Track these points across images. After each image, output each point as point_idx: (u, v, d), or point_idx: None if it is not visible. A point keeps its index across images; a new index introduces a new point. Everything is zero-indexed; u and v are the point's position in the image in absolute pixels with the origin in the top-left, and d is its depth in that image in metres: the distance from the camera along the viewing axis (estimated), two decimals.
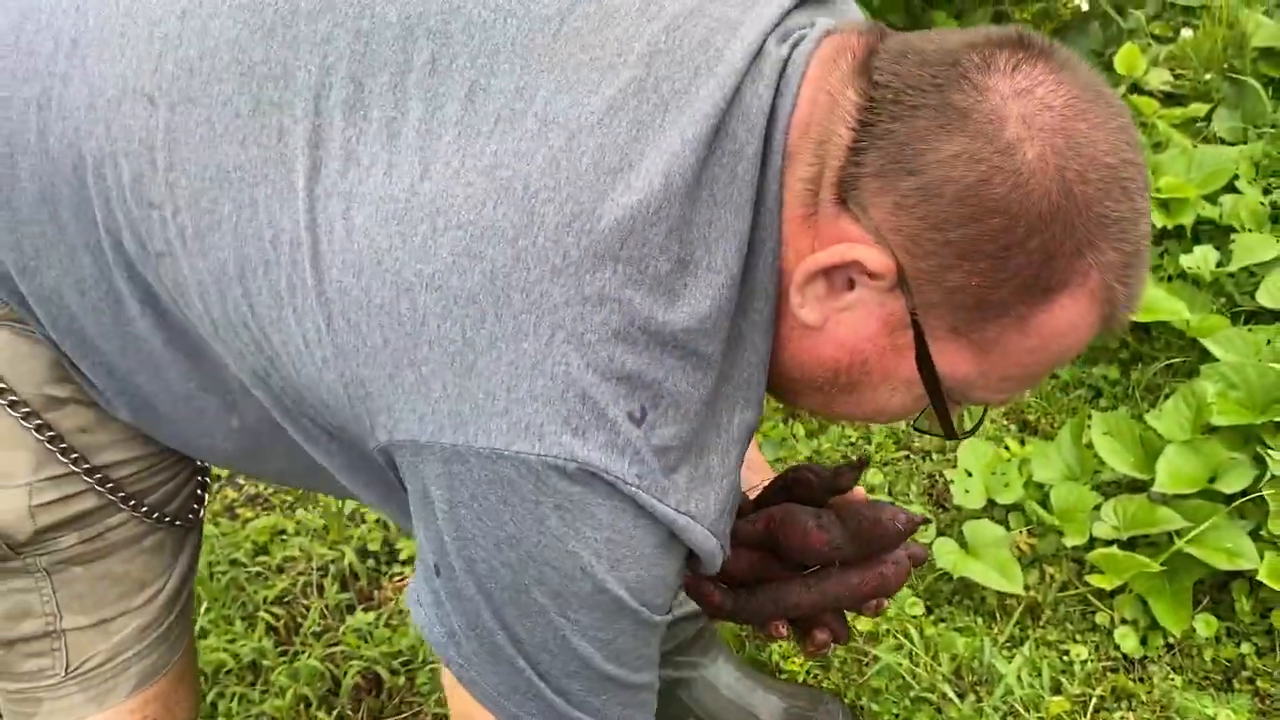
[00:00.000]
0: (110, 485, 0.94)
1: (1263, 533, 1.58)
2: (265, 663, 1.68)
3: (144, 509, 0.95)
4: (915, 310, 0.73)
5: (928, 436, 1.99)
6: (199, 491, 1.03)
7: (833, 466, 0.97)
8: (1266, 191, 2.20)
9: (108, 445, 0.94)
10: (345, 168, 0.75)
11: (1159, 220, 2.08)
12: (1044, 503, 1.72)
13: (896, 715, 1.50)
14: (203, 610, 1.80)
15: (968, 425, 0.88)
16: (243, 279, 0.77)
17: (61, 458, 0.91)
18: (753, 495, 1.00)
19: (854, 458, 1.07)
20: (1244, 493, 1.62)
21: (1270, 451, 1.60)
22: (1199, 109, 2.42)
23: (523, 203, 0.72)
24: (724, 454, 0.77)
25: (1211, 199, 2.15)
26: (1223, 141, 2.39)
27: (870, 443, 1.99)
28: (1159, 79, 2.55)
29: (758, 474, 1.10)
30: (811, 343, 0.78)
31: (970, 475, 1.76)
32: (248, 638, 1.72)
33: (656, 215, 0.72)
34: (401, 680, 1.66)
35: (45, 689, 0.98)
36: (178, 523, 0.98)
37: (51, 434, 0.90)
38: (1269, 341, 1.79)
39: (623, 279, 0.71)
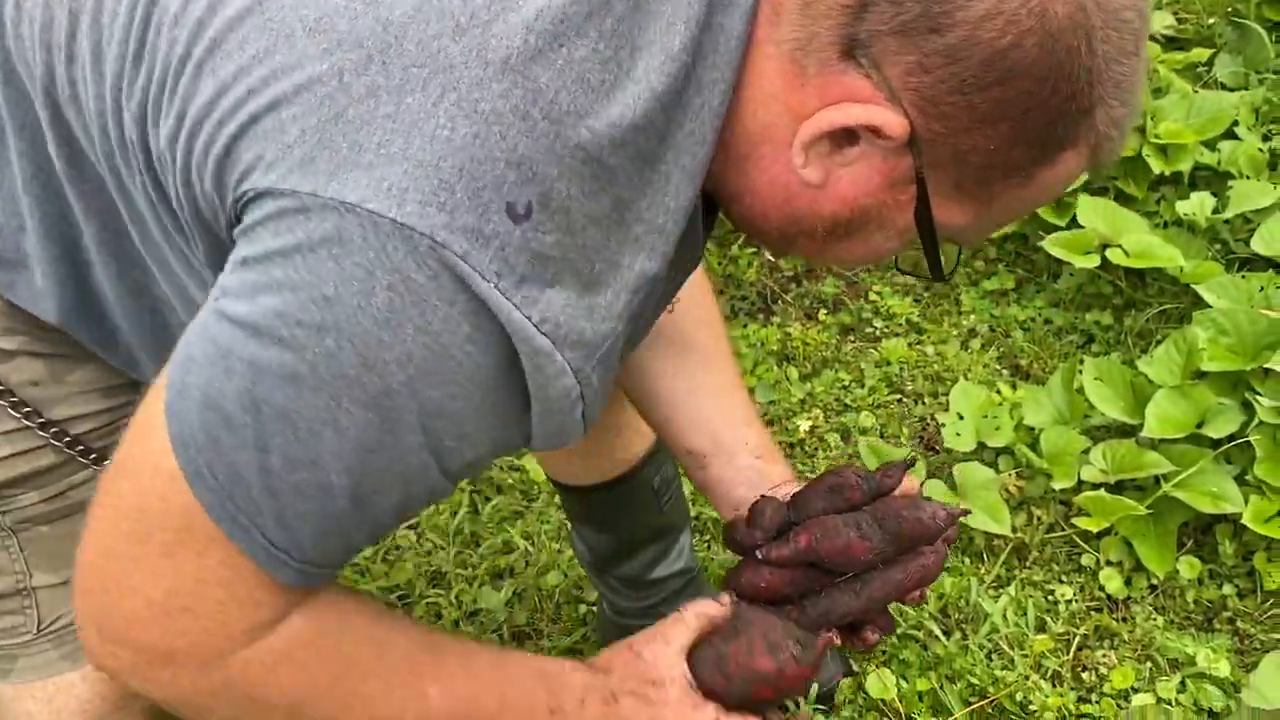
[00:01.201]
0: (68, 440, 0.90)
1: (1248, 477, 1.60)
2: None
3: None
4: (921, 169, 0.71)
5: (921, 380, 2.00)
6: None
7: (879, 468, 0.94)
8: (1266, 138, 2.19)
9: (63, 399, 0.89)
10: None
11: (1156, 167, 2.08)
12: (1034, 446, 1.74)
13: (884, 651, 1.53)
14: None
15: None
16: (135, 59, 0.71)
17: (13, 412, 0.87)
18: (782, 491, 0.96)
19: (907, 456, 1.04)
20: (1231, 438, 1.64)
21: (1259, 397, 1.62)
22: (1201, 54, 2.40)
23: None
24: (615, 295, 0.69)
25: (1210, 145, 2.15)
26: (1224, 87, 2.38)
27: (863, 386, 2.00)
28: (1161, 23, 2.53)
29: (774, 464, 1.06)
30: (811, 199, 0.74)
31: (961, 418, 1.78)
32: None
33: (591, 18, 0.66)
34: None
35: (19, 646, 0.96)
36: None
37: (0, 388, 0.86)
38: (1261, 289, 1.80)
39: (533, 53, 0.64)
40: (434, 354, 0.64)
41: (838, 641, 0.93)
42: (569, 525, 1.50)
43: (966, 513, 0.94)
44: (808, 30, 0.69)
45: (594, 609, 1.65)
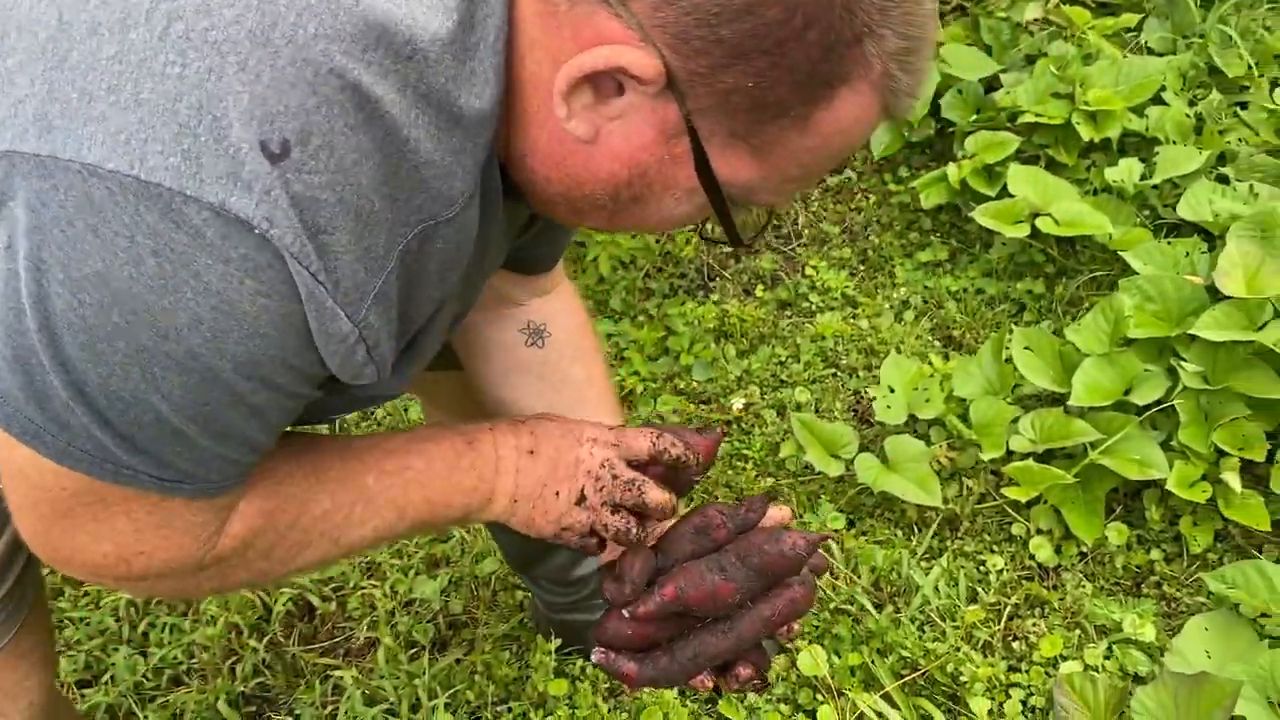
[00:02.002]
0: None
1: (1173, 443, 1.61)
2: None
3: None
4: (690, 116, 0.66)
5: (855, 354, 2.00)
6: None
7: (740, 503, 0.92)
8: (1192, 103, 2.20)
9: None
10: None
11: (1086, 134, 2.08)
12: (964, 417, 1.74)
13: (817, 627, 1.54)
14: None
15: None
16: None
17: None
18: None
19: (762, 493, 1.01)
20: (1158, 404, 1.65)
21: (1183, 363, 1.63)
22: (1130, 19, 2.41)
23: None
24: (388, 234, 0.64)
25: (1138, 111, 2.16)
26: (1151, 52, 2.39)
27: (799, 361, 2.00)
28: None
29: (614, 417, 1.03)
30: (585, 157, 0.69)
31: (892, 391, 1.78)
32: None
33: None
34: (333, 606, 1.67)
35: None
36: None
37: None
38: (1187, 254, 1.82)
39: None
40: (224, 312, 0.60)
41: (710, 684, 0.91)
42: (489, 530, 1.48)
43: (827, 539, 0.91)
44: None
45: (530, 596, 1.64)
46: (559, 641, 1.54)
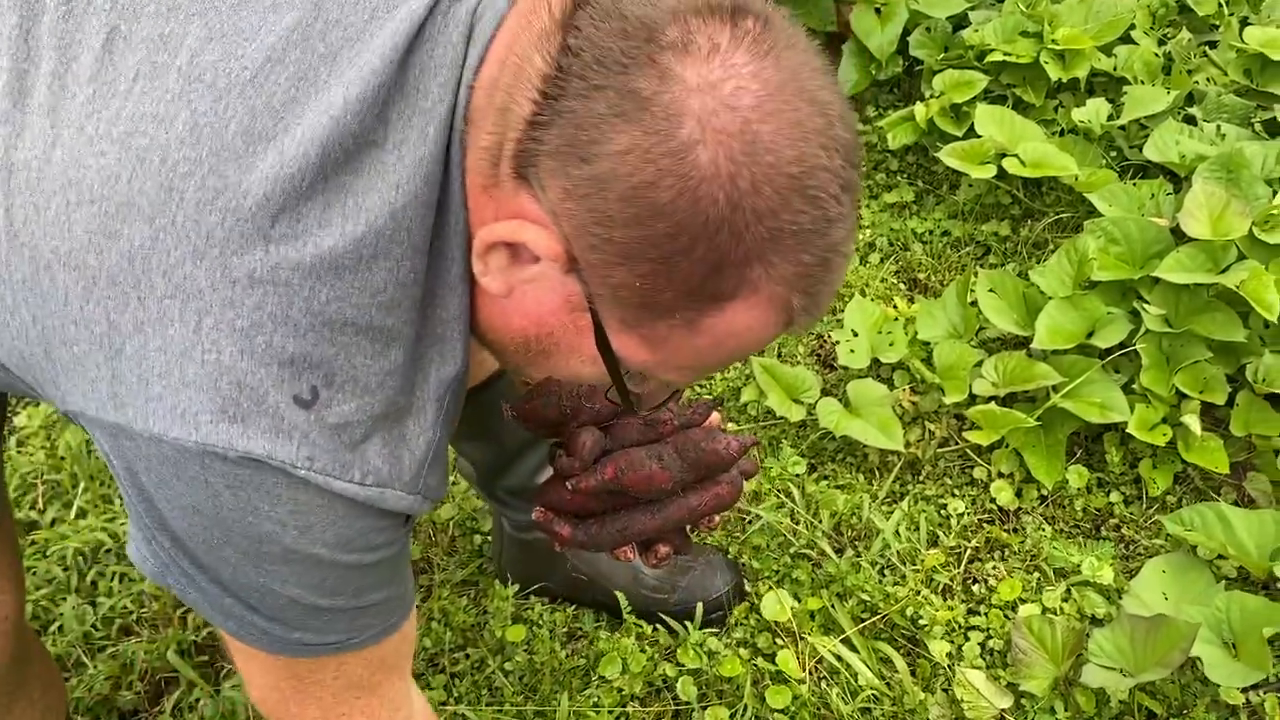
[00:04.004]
0: None
1: (1135, 386, 1.61)
2: None
3: None
4: (590, 297, 0.70)
5: None
6: None
7: (688, 404, 1.00)
8: (1161, 42, 2.17)
9: None
10: None
11: (1054, 73, 2.05)
12: (928, 361, 1.73)
13: (776, 570, 1.53)
14: (80, 490, 1.76)
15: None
16: None
17: None
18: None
19: (714, 399, 1.13)
20: (1121, 346, 1.64)
21: (1146, 306, 1.62)
22: None
23: (160, 176, 0.66)
24: (420, 413, 0.75)
25: (1107, 50, 2.12)
26: None
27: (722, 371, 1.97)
28: None
29: None
30: (500, 309, 0.75)
31: (856, 335, 1.76)
32: (126, 516, 1.69)
33: (313, 189, 0.67)
34: None
35: None
36: None
37: None
38: (1153, 195, 1.80)
39: (276, 260, 0.67)
40: (300, 513, 0.71)
41: (631, 556, 1.00)
42: (452, 448, 1.46)
43: (756, 443, 1.00)
44: (498, 138, 0.69)
45: (489, 539, 1.62)
46: (516, 587, 1.52)
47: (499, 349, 0.80)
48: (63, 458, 1.82)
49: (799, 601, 1.48)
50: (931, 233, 2.07)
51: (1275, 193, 1.67)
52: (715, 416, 1.03)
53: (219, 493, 0.69)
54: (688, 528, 1.04)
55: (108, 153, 0.67)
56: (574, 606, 1.53)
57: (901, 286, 1.98)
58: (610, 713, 1.38)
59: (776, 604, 1.45)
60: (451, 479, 1.71)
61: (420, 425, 0.75)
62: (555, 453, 1.00)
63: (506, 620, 1.50)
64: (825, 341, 1.90)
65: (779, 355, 1.88)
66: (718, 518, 1.03)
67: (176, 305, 0.66)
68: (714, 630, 1.47)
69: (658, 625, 1.47)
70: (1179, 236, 1.67)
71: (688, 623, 1.45)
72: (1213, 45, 2.17)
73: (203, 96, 0.68)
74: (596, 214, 0.65)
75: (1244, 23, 2.18)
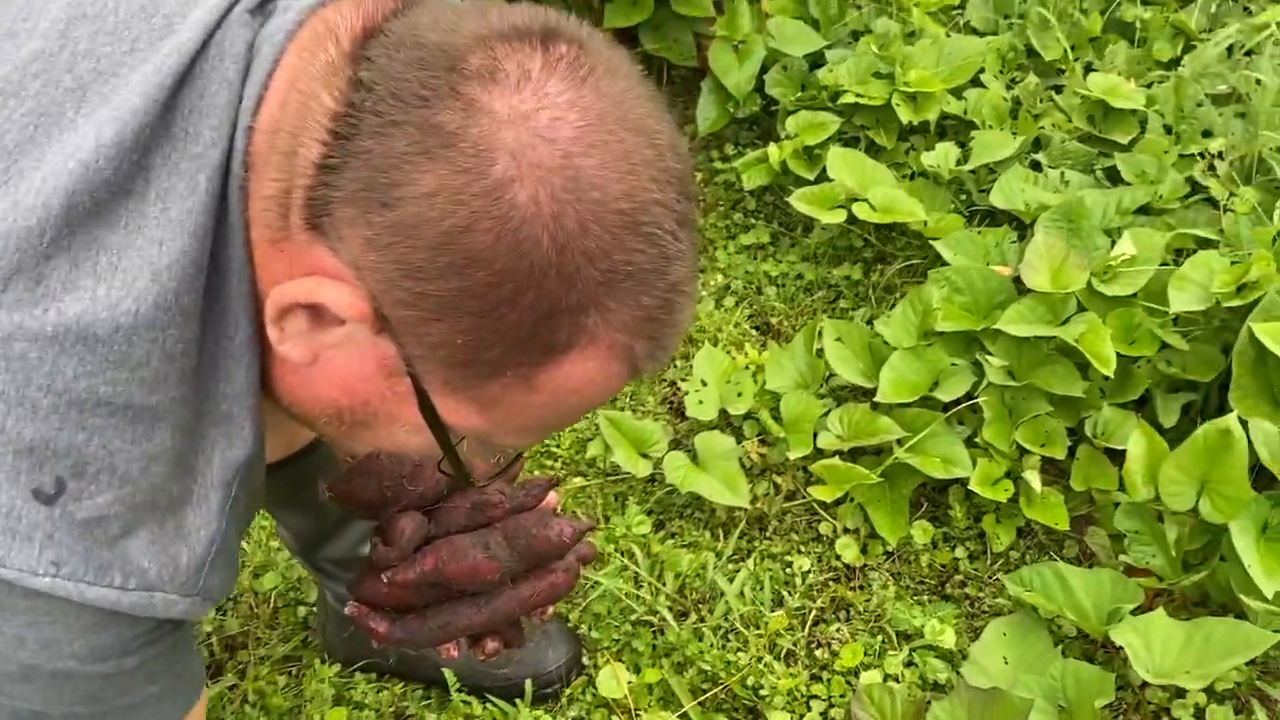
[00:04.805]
0: None
1: (978, 440, 1.59)
2: None
3: None
4: (408, 359, 0.62)
5: None
6: None
7: (522, 485, 0.93)
8: (1010, 86, 2.19)
9: None
10: None
11: (905, 116, 2.05)
12: (775, 411, 1.69)
13: (617, 640, 1.46)
14: None
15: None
16: None
17: None
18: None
19: (544, 475, 1.06)
20: (970, 395, 1.63)
21: (989, 357, 1.61)
22: None
23: None
24: (201, 502, 0.66)
25: (957, 93, 2.13)
26: (975, 32, 2.37)
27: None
28: None
29: None
30: (305, 379, 0.67)
31: (705, 385, 1.71)
32: None
33: (55, 246, 0.58)
34: None
35: None
36: None
37: None
38: (997, 244, 1.80)
39: (9, 330, 0.58)
40: (40, 626, 0.62)
41: (455, 654, 0.93)
42: (271, 515, 1.36)
43: (592, 528, 0.94)
44: (284, 185, 0.61)
45: (314, 610, 1.52)
46: (338, 666, 1.43)
47: (308, 421, 0.72)
48: None
49: (637, 673, 1.42)
50: (785, 276, 2.04)
51: (1114, 243, 1.68)
52: (552, 497, 0.96)
53: None
54: (521, 619, 0.96)
55: None
56: (401, 684, 1.44)
57: (754, 332, 1.95)
58: None
59: (612, 679, 1.39)
60: (275, 545, 1.61)
61: (202, 517, 0.66)
62: (373, 541, 0.91)
63: (327, 702, 1.40)
64: (677, 389, 1.85)
65: (629, 404, 1.82)
66: (550, 610, 0.95)
67: None
68: (548, 706, 1.39)
69: (486, 703, 1.39)
70: (1021, 287, 1.67)
71: (518, 700, 1.37)
72: (1059, 90, 2.20)
73: None
74: (405, 265, 0.58)
75: (1088, 69, 2.22)
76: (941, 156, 1.98)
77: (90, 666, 0.65)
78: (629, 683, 1.40)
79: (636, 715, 1.37)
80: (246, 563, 1.59)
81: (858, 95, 2.08)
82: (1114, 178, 1.94)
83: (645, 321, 0.62)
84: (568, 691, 1.41)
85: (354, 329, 0.62)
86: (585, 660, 1.44)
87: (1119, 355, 1.53)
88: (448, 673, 1.38)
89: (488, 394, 0.63)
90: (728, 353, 1.83)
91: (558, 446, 1.76)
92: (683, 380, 1.84)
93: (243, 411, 0.67)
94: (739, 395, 1.71)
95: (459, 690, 1.38)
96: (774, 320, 1.96)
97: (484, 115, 0.57)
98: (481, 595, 0.91)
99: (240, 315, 0.64)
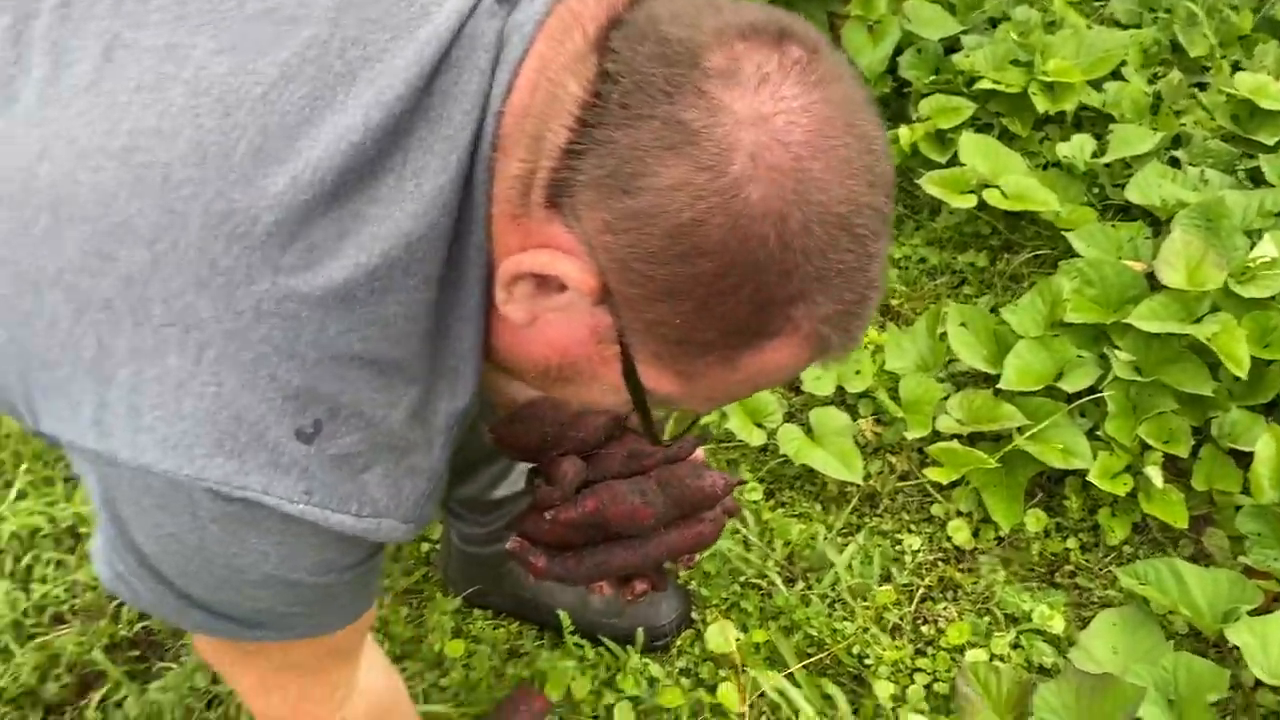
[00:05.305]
0: None
1: (1099, 432, 1.59)
2: (84, 530, 1.61)
3: None
4: (621, 331, 0.67)
5: None
6: None
7: (674, 439, 0.94)
8: (1152, 80, 2.15)
9: None
10: None
11: (1041, 105, 2.03)
12: (894, 392, 1.70)
13: (725, 598, 1.50)
14: (22, 470, 1.71)
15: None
16: None
17: None
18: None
19: (703, 433, 1.10)
20: (1090, 390, 1.62)
21: (1116, 351, 1.60)
22: None
23: (161, 198, 0.63)
24: (427, 446, 0.72)
25: (1097, 85, 2.10)
26: (1117, 24, 2.33)
27: None
28: None
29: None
30: (521, 338, 0.72)
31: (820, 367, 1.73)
32: (69, 501, 1.65)
33: (327, 217, 0.64)
34: None
35: None
36: None
37: None
38: (1131, 239, 1.78)
39: (284, 290, 0.63)
40: (285, 544, 0.69)
41: (607, 591, 0.98)
42: None
43: (742, 483, 0.99)
44: (529, 166, 0.65)
45: (437, 547, 1.59)
46: (459, 600, 1.49)
47: (517, 373, 0.77)
48: (7, 435, 1.77)
49: (745, 632, 1.46)
50: (908, 259, 2.05)
51: (1253, 244, 1.66)
52: (700, 452, 1.00)
53: (205, 526, 0.67)
54: (665, 564, 1.00)
55: (104, 168, 0.63)
56: (517, 623, 1.50)
57: (874, 313, 1.96)
58: None
59: (721, 636, 1.43)
60: None
61: (426, 458, 0.73)
62: (534, 481, 0.97)
63: (446, 634, 1.47)
64: None
65: None
66: (697, 556, 1.00)
67: (176, 334, 0.63)
68: (656, 656, 1.44)
69: (599, 648, 1.44)
70: (1154, 283, 1.65)
71: (629, 646, 1.42)
72: (1203, 87, 2.16)
73: (210, 112, 0.64)
74: (638, 250, 0.62)
75: (1235, 67, 2.16)
76: (1077, 148, 1.96)
77: (316, 578, 0.72)
78: (736, 640, 1.43)
79: (743, 671, 1.41)
80: None
81: (994, 82, 2.07)
82: (1257, 179, 1.90)
83: (843, 315, 0.66)
84: (677, 643, 1.45)
85: (575, 297, 0.66)
86: (694, 615, 1.48)
87: (1252, 358, 1.51)
88: (563, 615, 1.43)
89: (691, 369, 0.68)
90: None
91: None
92: None
93: (468, 368, 0.73)
94: (857, 373, 1.73)
95: (572, 633, 1.43)
96: (894, 302, 1.97)
97: (726, 115, 0.60)
98: (635, 539, 0.95)
99: (474, 283, 0.70)
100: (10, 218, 0.65)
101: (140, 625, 1.50)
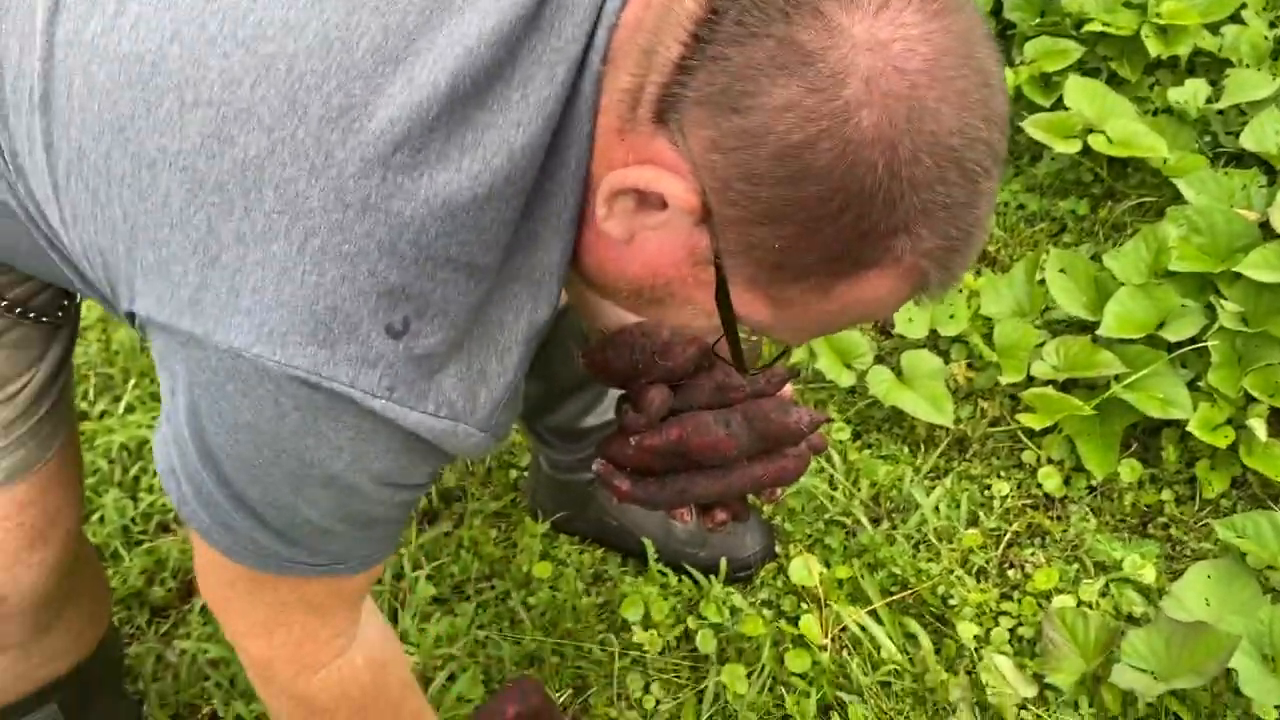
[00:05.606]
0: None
1: (1201, 383, 1.55)
2: None
3: (3, 303, 0.89)
4: (718, 252, 0.66)
5: None
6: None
7: (764, 372, 0.96)
8: (1273, 24, 2.06)
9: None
10: (89, 12, 0.69)
11: (1154, 49, 1.96)
12: (988, 337, 1.68)
13: (809, 535, 1.51)
14: (130, 385, 1.78)
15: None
16: (3, 120, 0.73)
17: None
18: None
19: (792, 368, 1.09)
20: (1191, 341, 1.58)
21: (1223, 301, 1.55)
22: None
23: (285, 87, 0.64)
24: (503, 354, 0.73)
25: (1213, 29, 2.02)
26: None
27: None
28: None
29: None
30: (617, 254, 0.72)
31: (917, 304, 1.71)
32: None
33: (438, 120, 0.65)
34: None
35: None
36: (44, 319, 0.93)
37: None
38: (1244, 186, 1.72)
39: (391, 188, 0.65)
40: (360, 441, 0.70)
41: (688, 519, 0.98)
42: None
43: (828, 419, 1.00)
44: (639, 80, 0.66)
45: (524, 474, 1.62)
46: (546, 524, 1.52)
47: (609, 292, 0.78)
48: (116, 352, 1.84)
49: (828, 568, 1.46)
50: (1007, 205, 2.00)
51: None
52: (789, 389, 1.00)
53: (286, 414, 0.68)
54: (749, 496, 1.01)
55: (231, 55, 0.65)
56: (602, 549, 1.52)
57: None
58: (625, 655, 1.38)
59: (804, 569, 1.44)
60: None
61: (503, 366, 0.73)
62: (622, 407, 0.98)
63: (534, 556, 1.50)
64: None
65: None
66: (780, 490, 1.00)
67: (284, 221, 0.65)
68: (739, 587, 1.45)
69: (683, 576, 1.46)
70: (1267, 232, 1.60)
71: (713, 576, 1.44)
72: None
73: (335, 7, 0.65)
74: (743, 170, 0.62)
75: None
76: (1190, 93, 1.90)
77: (376, 488, 0.74)
78: (819, 574, 1.44)
79: (826, 605, 1.42)
80: None
81: (1104, 24, 2.00)
82: None
83: (946, 251, 0.65)
84: (760, 576, 1.46)
85: (675, 216, 0.66)
86: (777, 550, 1.49)
87: None
88: (647, 543, 1.45)
89: (785, 295, 0.67)
90: None
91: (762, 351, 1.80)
92: None
93: (553, 280, 0.74)
94: (951, 317, 1.71)
95: (656, 561, 1.45)
96: (991, 248, 1.93)
97: (843, 38, 0.59)
98: (717, 469, 0.95)
99: (570, 195, 0.70)
100: (136, 98, 0.67)
101: None
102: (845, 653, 1.38)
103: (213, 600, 0.90)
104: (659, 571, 1.46)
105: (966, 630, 1.39)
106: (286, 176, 0.64)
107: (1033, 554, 1.49)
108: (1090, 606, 1.41)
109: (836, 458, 1.60)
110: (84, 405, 1.76)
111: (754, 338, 0.79)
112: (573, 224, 0.72)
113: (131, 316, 0.73)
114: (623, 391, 1.00)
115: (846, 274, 0.65)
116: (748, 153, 0.61)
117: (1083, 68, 2.05)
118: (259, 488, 0.74)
